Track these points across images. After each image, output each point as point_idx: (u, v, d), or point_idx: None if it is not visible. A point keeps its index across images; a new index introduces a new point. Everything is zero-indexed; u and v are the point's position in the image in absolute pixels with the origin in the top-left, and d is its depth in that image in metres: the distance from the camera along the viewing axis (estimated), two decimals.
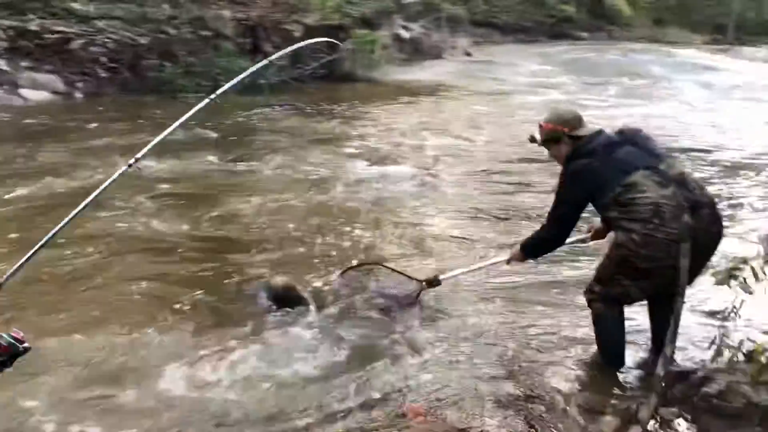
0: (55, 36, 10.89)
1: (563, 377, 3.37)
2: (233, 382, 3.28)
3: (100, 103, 10.36)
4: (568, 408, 3.09)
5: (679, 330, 3.14)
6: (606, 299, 3.34)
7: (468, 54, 20.10)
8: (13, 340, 1.79)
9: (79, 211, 2.42)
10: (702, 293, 3.99)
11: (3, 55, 10.25)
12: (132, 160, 2.70)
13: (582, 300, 3.55)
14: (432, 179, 7.14)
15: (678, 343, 3.18)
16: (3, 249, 4.62)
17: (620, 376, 3.38)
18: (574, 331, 3.82)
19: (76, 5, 11.43)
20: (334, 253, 4.95)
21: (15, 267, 2.04)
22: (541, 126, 3.53)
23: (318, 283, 4.39)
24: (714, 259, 3.27)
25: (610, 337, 3.42)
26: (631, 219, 3.13)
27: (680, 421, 2.87)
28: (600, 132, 3.42)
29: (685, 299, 3.14)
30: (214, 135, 8.71)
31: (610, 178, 3.19)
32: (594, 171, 3.26)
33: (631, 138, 3.35)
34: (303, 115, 10.69)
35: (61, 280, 4.34)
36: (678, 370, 3.13)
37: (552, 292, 4.43)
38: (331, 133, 9.43)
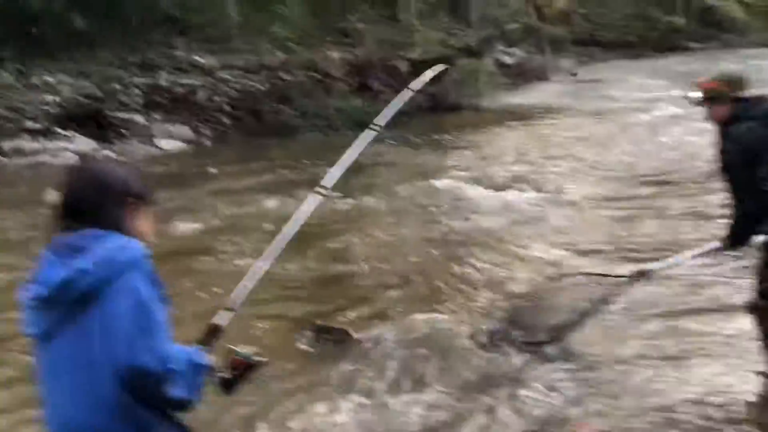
0: (183, 89, 11.77)
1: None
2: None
3: (226, 148, 11.08)
4: None
5: None
6: None
7: (573, 74, 19.88)
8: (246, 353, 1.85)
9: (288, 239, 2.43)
10: None
11: (140, 110, 11.17)
12: (321, 189, 2.66)
13: None
14: (553, 207, 7.05)
15: None
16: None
17: None
18: None
19: (199, 59, 12.30)
20: (461, 285, 5.01)
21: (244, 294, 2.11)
22: (701, 84, 3.49)
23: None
24: None
25: None
26: None
27: None
28: (764, 98, 3.36)
29: None
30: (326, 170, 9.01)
31: None
32: (759, 136, 3.21)
33: None
34: (412, 147, 10.90)
35: None
36: None
37: None
38: (442, 163, 9.57)
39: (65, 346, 1.60)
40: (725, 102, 3.36)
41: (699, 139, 10.12)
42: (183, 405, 1.67)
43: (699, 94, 3.48)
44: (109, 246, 1.63)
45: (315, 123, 11.96)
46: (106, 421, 1.58)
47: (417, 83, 3.15)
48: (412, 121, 13.23)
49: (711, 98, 3.41)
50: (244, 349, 1.84)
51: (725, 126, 3.35)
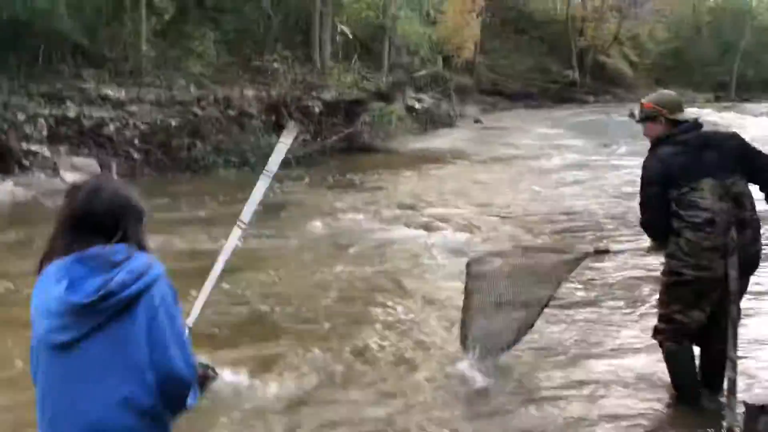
0: (91, 122, 11.45)
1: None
2: None
3: (135, 183, 10.80)
4: None
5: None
6: (674, 336, 3.61)
7: (478, 121, 20.72)
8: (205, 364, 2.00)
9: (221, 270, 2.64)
10: None
11: (44, 142, 10.77)
12: (241, 223, 2.88)
13: None
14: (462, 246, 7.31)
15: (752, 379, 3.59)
16: None
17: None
18: None
19: (109, 92, 12.03)
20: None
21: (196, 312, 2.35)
22: (642, 104, 3.79)
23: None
24: None
25: (682, 376, 3.69)
26: (686, 222, 3.44)
27: None
28: (696, 125, 3.65)
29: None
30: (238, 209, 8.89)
31: (686, 175, 3.47)
32: (678, 162, 3.52)
33: (719, 144, 3.59)
34: (326, 186, 11.06)
35: None
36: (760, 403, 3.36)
37: None
38: (353, 203, 9.70)
39: (95, 352, 1.68)
40: (660, 122, 3.67)
41: (593, 182, 10.97)
42: (185, 411, 1.81)
43: (639, 113, 3.81)
44: (141, 261, 1.76)
45: (229, 159, 11.91)
46: (138, 423, 1.69)
47: (273, 165, 3.22)
48: (329, 161, 13.47)
49: (647, 117, 3.73)
50: (203, 361, 1.96)
51: (655, 144, 3.68)
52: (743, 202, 3.48)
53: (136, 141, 11.72)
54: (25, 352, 1.87)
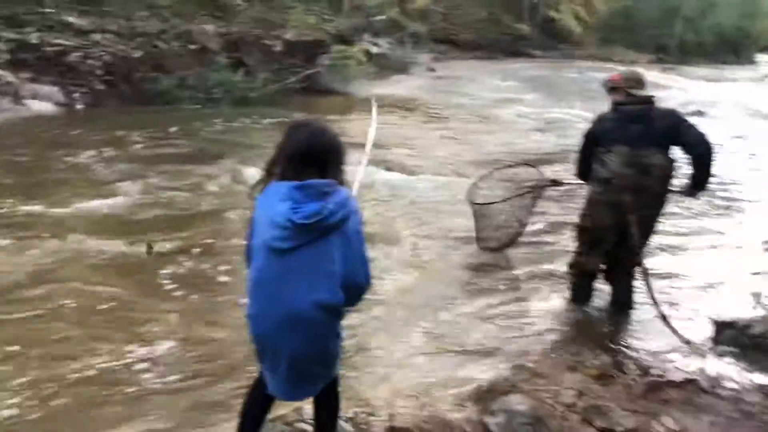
0: (54, 49, 11.28)
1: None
2: None
3: (99, 114, 10.80)
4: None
5: (724, 288, 4.71)
6: (577, 274, 4.49)
7: (431, 69, 21.03)
8: None
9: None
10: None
11: (6, 66, 10.59)
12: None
13: None
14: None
15: (723, 299, 4.61)
16: None
17: None
18: None
19: (71, 19, 11.83)
20: None
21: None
22: (610, 77, 4.41)
23: None
24: None
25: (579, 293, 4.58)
26: (594, 176, 4.25)
27: (731, 357, 3.82)
28: (644, 101, 4.21)
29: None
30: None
31: (610, 139, 4.19)
32: (607, 127, 4.25)
33: (650, 119, 4.15)
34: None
35: None
36: (727, 319, 4.08)
37: None
38: None
39: (305, 259, 2.20)
40: (621, 94, 4.28)
41: (540, 136, 11.57)
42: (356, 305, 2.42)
43: (607, 83, 4.42)
44: (344, 195, 2.29)
45: (192, 95, 11.95)
46: (324, 316, 2.26)
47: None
48: (289, 101, 13.62)
49: (612, 88, 4.35)
50: None
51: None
52: (650, 172, 4.07)
53: (99, 71, 11.61)
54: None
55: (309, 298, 2.21)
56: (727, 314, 4.34)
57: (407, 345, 3.91)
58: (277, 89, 13.88)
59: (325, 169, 2.28)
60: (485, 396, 3.05)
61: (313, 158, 2.27)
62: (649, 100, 4.24)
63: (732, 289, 4.99)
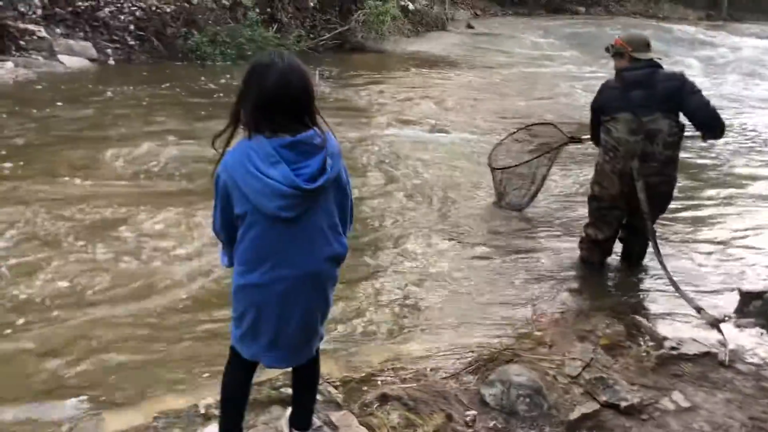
0: (87, 3, 11.29)
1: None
2: None
3: (132, 70, 10.81)
4: None
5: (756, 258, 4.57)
6: (587, 247, 4.44)
7: (470, 26, 20.57)
8: None
9: None
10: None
11: (40, 22, 10.65)
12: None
13: None
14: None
15: (754, 270, 4.49)
16: None
17: None
18: None
19: None
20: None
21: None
22: (615, 40, 4.28)
23: None
24: None
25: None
26: (602, 145, 4.14)
27: (756, 330, 3.65)
28: (650, 64, 4.06)
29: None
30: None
31: (613, 107, 4.07)
32: (611, 94, 4.13)
33: (652, 84, 4.00)
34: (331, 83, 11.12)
35: None
36: (753, 290, 3.95)
37: None
38: (350, 101, 9.88)
39: (312, 221, 2.08)
40: (625, 58, 4.15)
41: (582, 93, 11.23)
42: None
43: (611, 48, 4.30)
44: (333, 142, 2.06)
45: (225, 51, 11.87)
46: (335, 269, 2.20)
47: None
48: (323, 58, 13.45)
49: (616, 53, 4.22)
50: None
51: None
52: (656, 138, 3.94)
53: (132, 27, 11.60)
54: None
55: (323, 255, 2.12)
56: (756, 285, 4.17)
57: (409, 310, 3.82)
58: (311, 46, 13.73)
59: (302, 114, 1.99)
60: (485, 365, 2.96)
61: (285, 105, 1.96)
62: (653, 64, 4.09)
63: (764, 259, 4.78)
